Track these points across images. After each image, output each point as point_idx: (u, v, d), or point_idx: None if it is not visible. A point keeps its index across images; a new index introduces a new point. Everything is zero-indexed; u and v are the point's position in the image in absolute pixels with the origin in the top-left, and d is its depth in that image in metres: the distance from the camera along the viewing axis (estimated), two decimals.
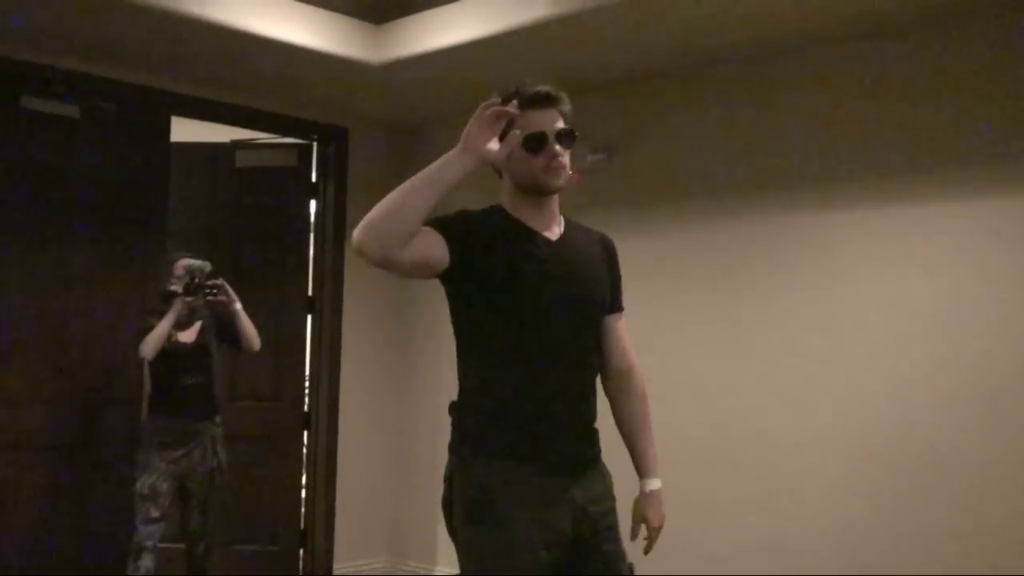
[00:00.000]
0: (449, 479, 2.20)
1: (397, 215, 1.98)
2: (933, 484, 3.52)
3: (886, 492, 3.63)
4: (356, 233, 1.98)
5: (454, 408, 2.26)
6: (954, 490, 3.47)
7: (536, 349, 2.15)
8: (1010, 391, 3.40)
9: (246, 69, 4.51)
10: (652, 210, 4.42)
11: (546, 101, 2.18)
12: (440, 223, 2.10)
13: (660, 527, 2.30)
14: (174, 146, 4.75)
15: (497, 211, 2.26)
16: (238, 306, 4.18)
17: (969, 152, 3.55)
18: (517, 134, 2.10)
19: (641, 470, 2.34)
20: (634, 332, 2.40)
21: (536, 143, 2.14)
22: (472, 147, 2.03)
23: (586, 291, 2.25)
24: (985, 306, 3.47)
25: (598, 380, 2.31)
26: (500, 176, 2.27)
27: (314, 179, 5.31)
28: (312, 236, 5.30)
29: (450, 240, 2.09)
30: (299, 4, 4.17)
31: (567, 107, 2.23)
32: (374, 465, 5.40)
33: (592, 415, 2.26)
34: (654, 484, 2.32)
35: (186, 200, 4.95)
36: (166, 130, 4.70)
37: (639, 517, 2.30)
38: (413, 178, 2.01)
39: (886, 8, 3.54)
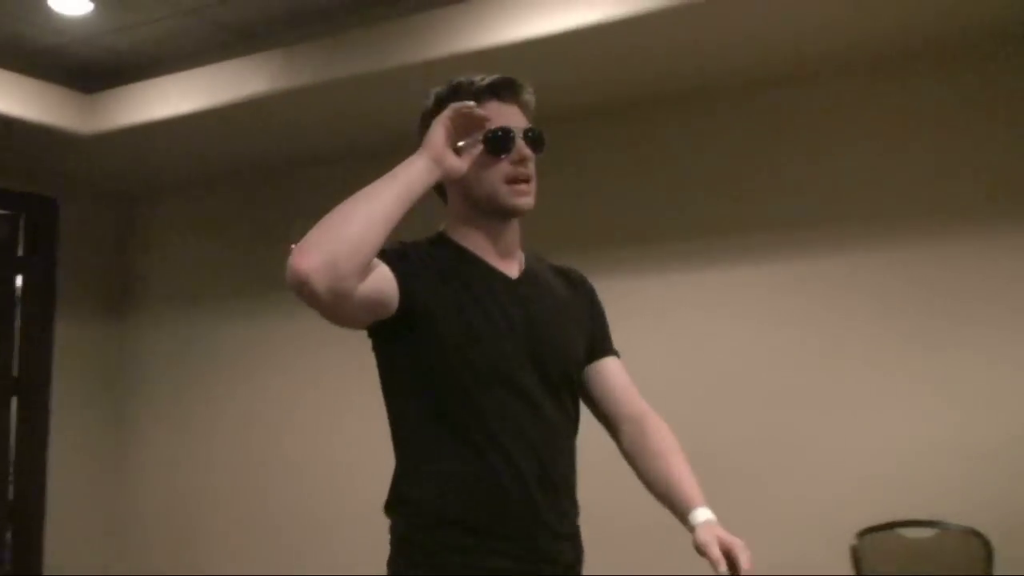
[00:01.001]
0: None
1: (357, 232, 1.42)
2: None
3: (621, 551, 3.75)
4: (296, 259, 1.39)
5: (390, 507, 1.68)
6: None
7: (497, 424, 1.61)
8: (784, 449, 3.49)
9: None
10: None
11: (510, 91, 1.69)
12: (385, 255, 1.56)
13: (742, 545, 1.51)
14: None
15: (443, 241, 1.73)
16: None
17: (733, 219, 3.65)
18: (478, 138, 1.62)
19: (692, 500, 1.59)
20: None
21: (499, 141, 1.63)
22: (434, 154, 1.57)
23: (558, 343, 1.72)
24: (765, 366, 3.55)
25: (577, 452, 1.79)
26: (444, 198, 1.78)
27: (21, 252, 5.01)
28: (18, 312, 4.98)
29: (399, 276, 1.57)
30: (2, 71, 3.99)
31: (532, 100, 1.73)
32: (86, 558, 5.06)
33: (573, 503, 1.75)
34: (710, 512, 1.59)
35: None
36: None
37: (724, 543, 1.48)
38: (365, 189, 1.50)
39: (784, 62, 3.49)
